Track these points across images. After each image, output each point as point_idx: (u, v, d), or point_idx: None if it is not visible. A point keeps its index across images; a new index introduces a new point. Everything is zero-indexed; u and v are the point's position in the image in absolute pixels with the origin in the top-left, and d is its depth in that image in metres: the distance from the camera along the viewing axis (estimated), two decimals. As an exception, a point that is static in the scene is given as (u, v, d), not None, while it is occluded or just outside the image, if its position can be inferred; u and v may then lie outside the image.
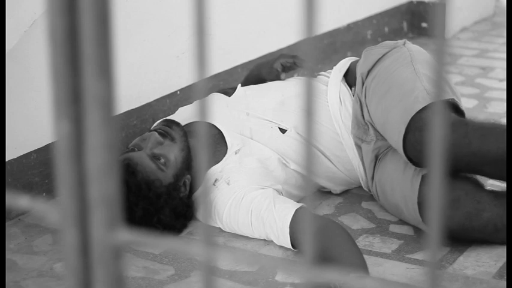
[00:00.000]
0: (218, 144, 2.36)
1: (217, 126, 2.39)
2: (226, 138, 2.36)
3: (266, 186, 2.26)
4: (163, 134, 2.29)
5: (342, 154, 2.41)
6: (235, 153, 2.33)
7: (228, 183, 2.25)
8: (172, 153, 2.26)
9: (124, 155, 2.25)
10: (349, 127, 2.40)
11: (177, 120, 2.39)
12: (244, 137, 2.38)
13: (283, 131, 2.39)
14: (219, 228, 2.28)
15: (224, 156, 2.33)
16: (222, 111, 2.45)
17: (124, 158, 2.23)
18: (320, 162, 2.39)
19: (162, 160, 2.24)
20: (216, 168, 2.30)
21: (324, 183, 2.44)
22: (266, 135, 2.38)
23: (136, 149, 2.26)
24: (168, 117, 2.47)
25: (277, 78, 2.55)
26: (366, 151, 2.37)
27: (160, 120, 2.46)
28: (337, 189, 2.48)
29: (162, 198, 2.20)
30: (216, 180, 2.27)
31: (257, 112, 2.43)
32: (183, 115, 2.50)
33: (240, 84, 2.58)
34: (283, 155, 2.35)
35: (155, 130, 2.30)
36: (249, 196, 2.20)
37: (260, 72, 2.62)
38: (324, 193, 2.50)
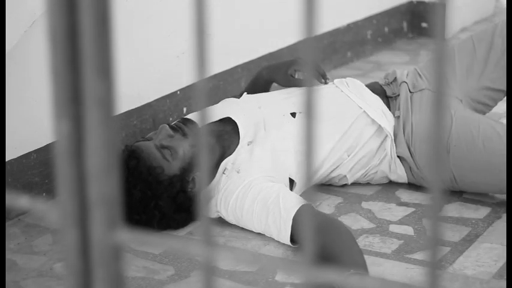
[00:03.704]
0: (232, 137, 2.39)
1: (233, 118, 2.43)
2: (239, 130, 2.39)
3: (274, 177, 2.29)
4: (175, 129, 2.32)
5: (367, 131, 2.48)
6: (248, 144, 2.36)
7: (238, 172, 2.30)
8: (181, 147, 2.29)
9: (134, 143, 2.32)
10: (374, 105, 2.52)
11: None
12: (258, 128, 2.41)
13: (295, 116, 2.45)
14: (219, 227, 2.28)
15: (237, 147, 2.36)
16: (234, 108, 2.50)
17: (132, 145, 2.29)
18: (338, 143, 2.44)
19: (169, 152, 2.27)
20: (229, 160, 2.33)
21: (336, 163, 2.46)
22: (279, 122, 2.42)
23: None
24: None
25: (294, 85, 2.56)
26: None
27: (179, 119, 2.51)
28: (348, 176, 2.48)
29: (162, 185, 2.24)
30: (225, 169, 2.31)
31: (268, 103, 2.48)
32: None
33: (246, 93, 2.62)
34: (296, 140, 2.38)
35: (168, 124, 2.34)
36: (258, 186, 2.23)
37: (272, 77, 2.63)
38: (324, 193, 2.50)
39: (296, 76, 2.54)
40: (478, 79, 2.62)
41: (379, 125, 2.48)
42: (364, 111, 2.49)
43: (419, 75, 2.62)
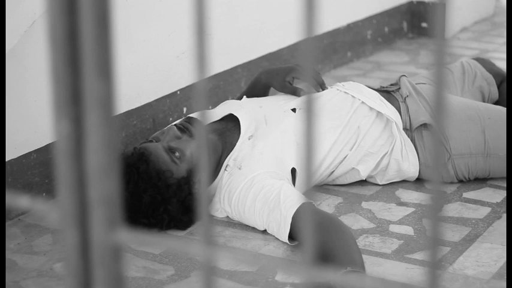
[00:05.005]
0: (234, 133, 2.41)
1: (234, 114, 2.45)
2: (241, 124, 2.41)
3: (276, 172, 2.30)
4: (182, 129, 2.32)
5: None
6: (249, 138, 2.38)
7: (239, 168, 2.30)
8: (189, 148, 2.29)
9: (141, 145, 2.30)
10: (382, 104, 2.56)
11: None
12: (259, 123, 2.42)
13: (295, 112, 2.47)
14: (219, 227, 2.28)
15: (237, 142, 2.37)
16: (236, 106, 2.51)
17: (140, 147, 2.28)
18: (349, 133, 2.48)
19: (177, 154, 2.27)
20: (231, 156, 2.34)
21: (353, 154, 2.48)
22: (279, 117, 2.43)
23: (154, 141, 2.30)
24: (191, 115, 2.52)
25: (291, 92, 2.55)
26: None
27: (184, 117, 2.51)
28: (360, 169, 2.49)
29: (171, 189, 2.24)
30: (227, 166, 2.32)
31: (269, 103, 2.50)
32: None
33: (245, 96, 2.61)
34: (297, 132, 2.39)
35: (175, 125, 2.33)
36: (260, 183, 2.24)
37: (269, 82, 2.62)
38: (324, 193, 2.50)
39: (294, 84, 2.54)
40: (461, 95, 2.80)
41: (379, 112, 2.49)
42: (363, 102, 2.50)
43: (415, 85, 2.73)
